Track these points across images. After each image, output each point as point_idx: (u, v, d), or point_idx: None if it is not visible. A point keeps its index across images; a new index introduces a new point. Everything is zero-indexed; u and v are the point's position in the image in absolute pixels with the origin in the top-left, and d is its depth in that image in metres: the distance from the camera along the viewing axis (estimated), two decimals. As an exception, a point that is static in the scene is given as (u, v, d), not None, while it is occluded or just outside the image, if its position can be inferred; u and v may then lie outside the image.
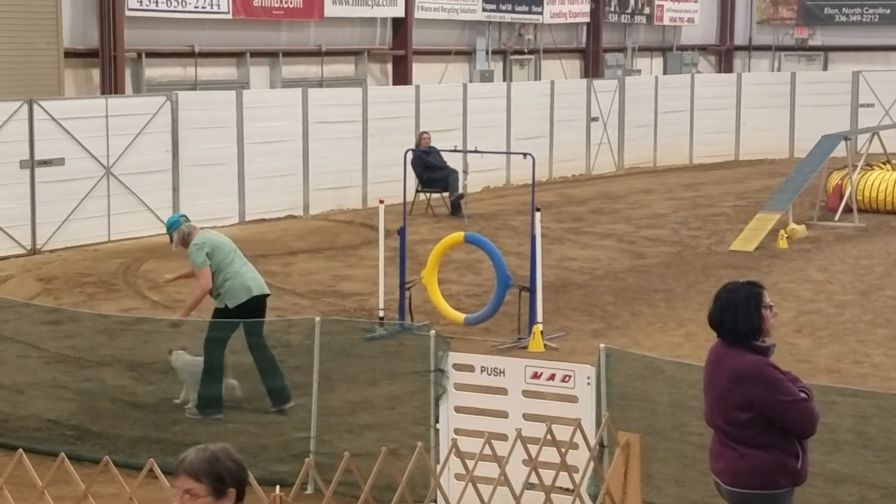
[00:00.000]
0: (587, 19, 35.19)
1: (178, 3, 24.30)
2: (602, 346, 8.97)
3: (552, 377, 8.91)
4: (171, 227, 12.06)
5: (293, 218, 23.75)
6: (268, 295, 12.12)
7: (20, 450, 7.14)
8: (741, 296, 6.72)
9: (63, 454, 7.01)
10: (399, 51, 29.62)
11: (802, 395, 6.61)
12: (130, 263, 19.18)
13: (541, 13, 33.43)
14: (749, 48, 41.00)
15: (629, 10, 36.90)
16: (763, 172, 30.74)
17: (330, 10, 27.42)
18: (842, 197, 23.78)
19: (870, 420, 9.42)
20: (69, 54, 22.75)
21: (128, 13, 23.47)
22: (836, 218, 23.32)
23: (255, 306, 11.84)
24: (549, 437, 7.64)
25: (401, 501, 6.78)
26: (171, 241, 12.10)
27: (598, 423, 8.50)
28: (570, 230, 22.58)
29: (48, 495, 7.00)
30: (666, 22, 38.45)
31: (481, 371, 9.20)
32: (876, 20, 39.15)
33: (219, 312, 11.85)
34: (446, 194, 24.16)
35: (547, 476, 7.55)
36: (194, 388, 11.52)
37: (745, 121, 34.01)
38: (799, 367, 13.32)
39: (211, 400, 11.41)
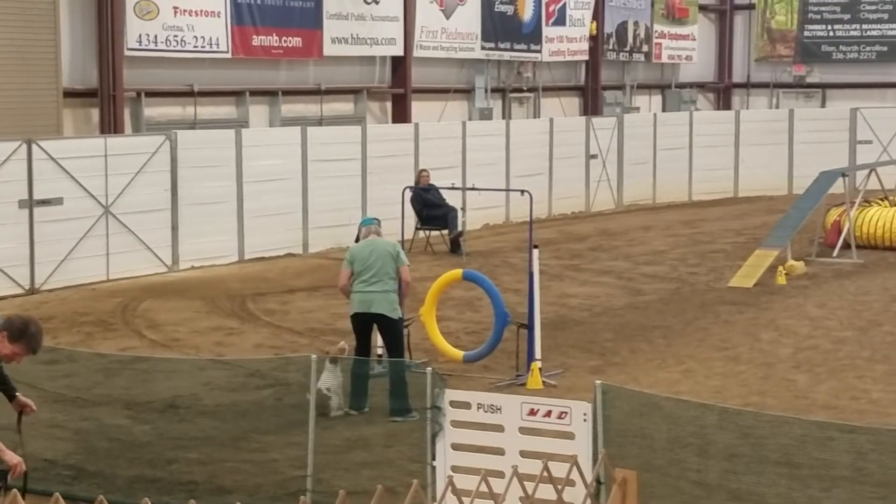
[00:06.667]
0: (586, 57, 35.31)
1: (177, 42, 24.39)
2: (598, 382, 8.94)
3: (549, 414, 8.88)
4: (361, 225, 13.82)
5: (292, 256, 23.76)
6: (377, 314, 13.20)
7: (14, 489, 7.12)
8: None
9: (57, 494, 6.97)
10: (398, 89, 29.72)
11: None
12: (129, 303, 19.17)
13: (539, 51, 33.55)
14: (747, 85, 41.12)
15: (627, 48, 37.04)
16: (762, 209, 30.78)
17: (329, 48, 27.52)
18: (840, 233, 23.80)
19: (867, 456, 9.39)
20: (68, 94, 22.81)
21: (127, 53, 23.56)
22: (835, 254, 23.33)
23: (363, 322, 13.27)
24: (545, 474, 7.62)
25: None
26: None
27: (595, 460, 8.48)
28: (569, 267, 22.59)
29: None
30: (664, 60, 38.59)
31: (478, 408, 9.18)
32: (873, 58, 39.29)
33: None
34: (445, 232, 24.18)
35: (543, 513, 7.52)
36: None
37: (743, 158, 34.08)
38: (797, 403, 13.34)
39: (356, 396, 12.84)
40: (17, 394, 9.05)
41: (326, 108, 28.19)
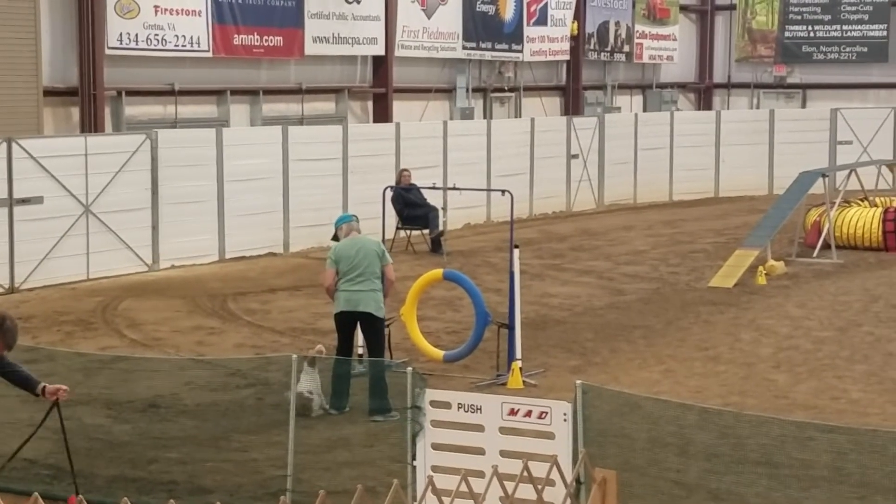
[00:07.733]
0: (567, 57, 35.34)
1: (157, 41, 24.33)
2: (578, 382, 8.96)
3: (529, 414, 8.89)
4: (337, 223, 13.74)
5: (273, 255, 23.73)
6: (364, 313, 13.12)
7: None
8: None
9: (36, 493, 6.96)
10: (379, 88, 29.70)
11: None
12: (109, 302, 19.12)
13: (521, 51, 33.57)
14: (728, 86, 41.22)
15: (609, 48, 37.08)
16: (742, 209, 30.86)
17: (310, 48, 27.49)
18: (820, 233, 23.87)
19: (847, 456, 9.42)
20: (48, 92, 22.73)
21: (107, 51, 23.48)
22: (815, 254, 23.40)
23: (348, 321, 13.21)
24: (525, 473, 7.64)
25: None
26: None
27: (575, 460, 8.49)
28: (550, 267, 22.61)
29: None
30: (645, 60, 38.65)
31: (458, 408, 9.19)
32: (853, 58, 39.41)
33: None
34: (426, 232, 24.18)
35: (523, 513, 7.53)
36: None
37: (724, 158, 34.16)
38: (777, 403, 13.38)
39: (338, 396, 12.79)
40: (43, 385, 9.02)
41: (307, 107, 28.16)
